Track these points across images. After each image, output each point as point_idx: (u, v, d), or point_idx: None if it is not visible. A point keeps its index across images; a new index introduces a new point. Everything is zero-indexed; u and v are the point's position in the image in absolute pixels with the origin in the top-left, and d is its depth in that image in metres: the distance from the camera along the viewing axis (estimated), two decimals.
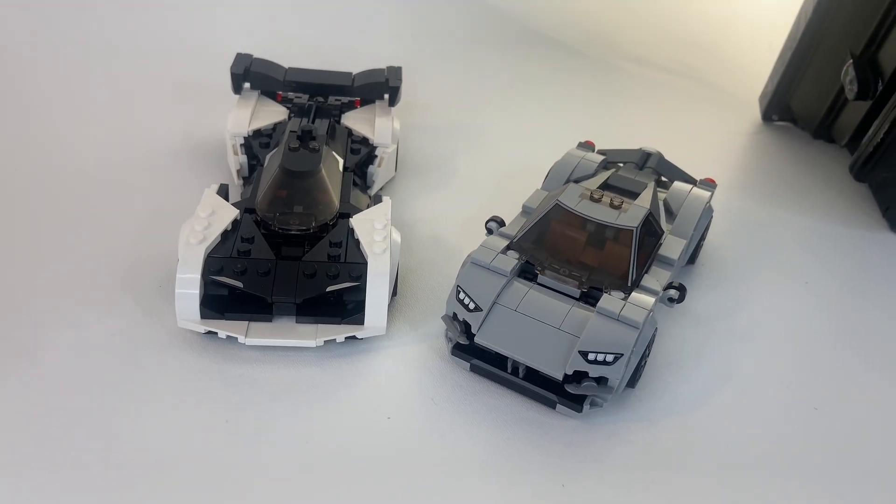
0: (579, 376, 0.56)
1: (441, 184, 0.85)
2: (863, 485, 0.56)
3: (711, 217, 0.75)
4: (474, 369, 0.60)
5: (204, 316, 0.59)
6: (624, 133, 0.92)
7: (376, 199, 0.70)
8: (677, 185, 0.74)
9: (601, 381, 0.56)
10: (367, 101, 0.84)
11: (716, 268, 0.76)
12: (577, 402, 0.57)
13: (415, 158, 0.88)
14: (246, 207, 0.65)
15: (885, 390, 0.64)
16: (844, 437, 0.59)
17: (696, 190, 0.73)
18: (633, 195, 0.70)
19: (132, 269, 0.67)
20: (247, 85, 0.82)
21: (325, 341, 0.60)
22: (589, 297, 0.60)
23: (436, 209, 0.80)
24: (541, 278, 0.61)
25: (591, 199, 0.65)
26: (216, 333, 0.59)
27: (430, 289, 0.69)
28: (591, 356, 0.55)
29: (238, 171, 0.76)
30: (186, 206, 0.74)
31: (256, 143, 0.76)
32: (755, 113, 1.06)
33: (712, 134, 1.01)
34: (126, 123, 0.87)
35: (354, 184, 0.72)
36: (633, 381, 0.59)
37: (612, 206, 0.64)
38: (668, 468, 0.55)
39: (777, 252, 0.79)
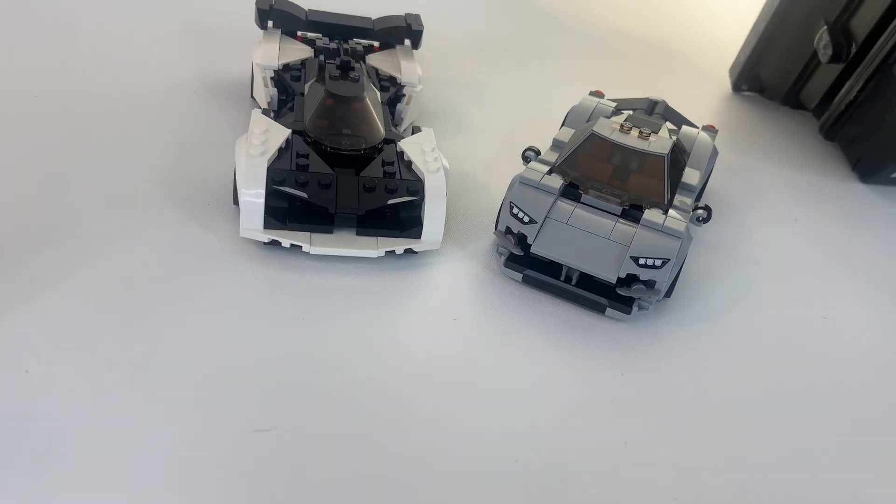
0: (629, 280, 0.61)
1: (458, 130, 0.88)
2: (867, 378, 0.63)
3: (716, 157, 0.81)
4: (527, 280, 0.64)
5: (267, 225, 0.60)
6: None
7: (414, 131, 0.72)
8: (686, 128, 0.80)
9: (649, 284, 0.61)
10: (385, 46, 0.86)
11: (717, 206, 0.82)
12: (626, 305, 0.61)
13: (429, 108, 0.90)
14: (294, 130, 0.67)
15: (877, 305, 0.71)
16: (851, 340, 0.66)
17: (703, 132, 0.80)
18: (655, 133, 0.75)
19: (176, 189, 0.67)
20: (270, 23, 0.83)
21: (386, 252, 0.62)
22: (628, 215, 0.65)
23: (457, 151, 0.83)
24: (584, 198, 0.65)
25: (622, 130, 0.70)
26: (277, 244, 0.61)
27: (468, 215, 0.72)
28: (641, 261, 0.60)
29: (269, 103, 0.77)
30: (215, 133, 0.74)
31: (287, 77, 0.77)
32: (725, 83, 1.14)
33: (687, 101, 1.08)
34: (143, 61, 0.86)
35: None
36: (668, 292, 0.64)
37: (640, 136, 0.70)
38: (706, 361, 0.61)
39: (765, 195, 0.87)
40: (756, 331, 0.65)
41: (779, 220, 0.82)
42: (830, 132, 0.98)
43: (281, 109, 0.76)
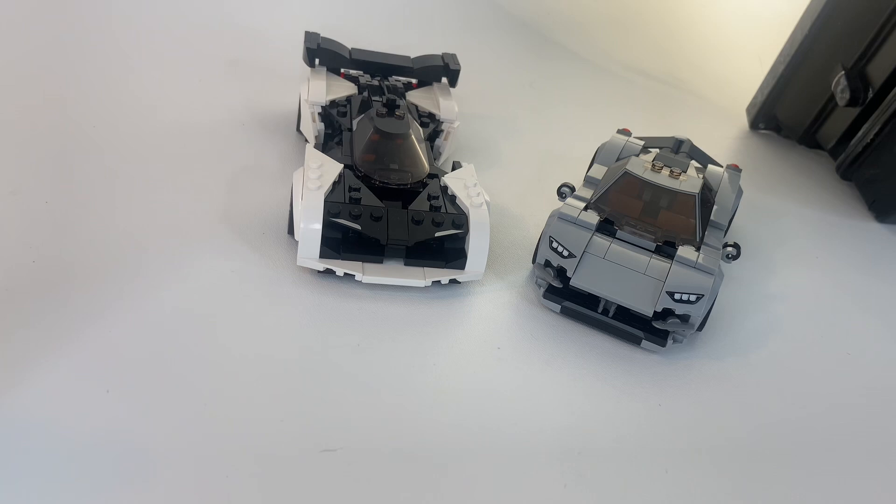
0: (664, 314, 0.64)
1: (491, 164, 0.92)
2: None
3: (741, 195, 0.85)
4: (565, 311, 0.67)
5: (323, 255, 0.64)
6: None
7: (455, 166, 0.76)
8: (712, 167, 0.84)
9: (684, 318, 0.64)
10: (422, 83, 0.90)
11: (742, 243, 0.86)
12: (661, 338, 0.65)
13: (463, 142, 0.94)
14: (345, 164, 0.70)
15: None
16: (874, 375, 0.69)
17: (728, 172, 0.83)
18: (684, 172, 0.79)
19: (232, 220, 0.70)
20: (317, 61, 0.87)
21: (432, 282, 0.65)
22: (662, 251, 0.68)
23: (491, 185, 0.87)
24: (620, 233, 0.69)
25: (653, 169, 0.74)
26: (331, 273, 0.64)
27: (504, 247, 0.75)
28: (677, 296, 0.63)
29: (316, 138, 0.81)
30: (265, 166, 0.78)
31: (334, 112, 0.81)
32: (742, 122, 1.18)
33: (705, 139, 1.12)
34: (200, 98, 0.90)
35: None
36: (701, 326, 0.68)
37: (671, 175, 0.73)
38: (738, 393, 0.64)
39: (787, 234, 0.90)
40: (780, 364, 0.68)
41: (801, 259, 0.85)
42: (847, 172, 1.02)
43: (327, 143, 0.80)
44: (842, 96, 0.99)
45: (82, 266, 0.61)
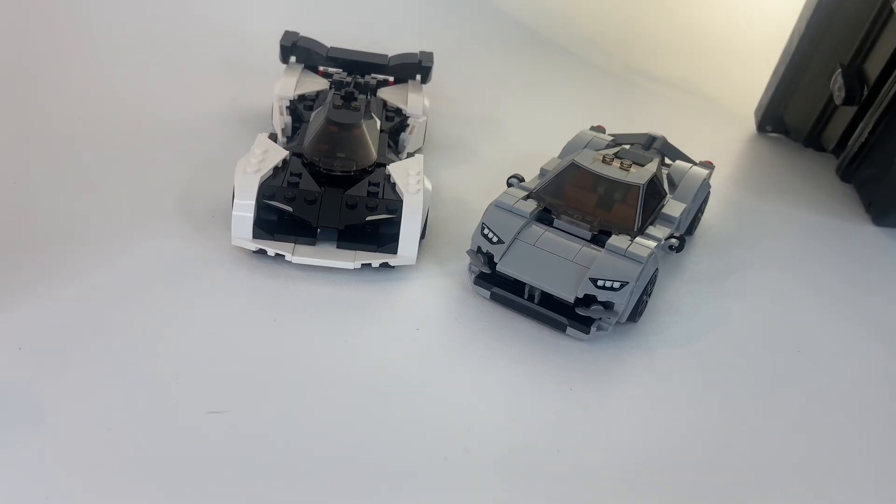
0: (589, 301, 0.63)
1: (463, 161, 0.93)
2: (836, 414, 0.62)
3: (709, 192, 0.83)
4: (494, 297, 0.67)
5: (256, 235, 0.66)
6: None
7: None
8: (679, 162, 0.82)
9: (608, 306, 0.63)
10: (399, 80, 0.93)
11: (712, 240, 0.83)
12: (585, 325, 0.64)
13: (441, 139, 0.96)
14: (294, 151, 0.73)
15: (862, 342, 0.71)
16: (824, 374, 0.66)
17: (696, 167, 0.81)
18: (640, 165, 0.77)
19: (188, 203, 0.74)
20: (293, 58, 0.90)
21: (362, 265, 0.67)
22: (598, 241, 0.67)
23: (458, 179, 0.88)
24: (556, 222, 0.68)
25: (604, 161, 0.73)
26: (265, 253, 0.67)
27: (453, 237, 0.76)
28: (599, 282, 0.63)
29: (283, 130, 0.84)
30: (233, 156, 0.81)
31: (301, 106, 0.84)
32: (750, 125, 1.15)
33: (710, 141, 1.10)
34: (183, 93, 0.96)
35: (388, 146, 0.80)
36: (635, 315, 0.66)
37: (621, 167, 0.72)
38: (662, 385, 0.62)
39: (768, 232, 0.87)
40: (720, 359, 0.66)
41: (776, 259, 0.82)
42: (846, 174, 0.98)
43: (294, 136, 0.83)
44: (839, 95, 0.95)
45: (29, 242, 0.66)
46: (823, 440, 0.60)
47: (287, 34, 0.91)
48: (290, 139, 0.84)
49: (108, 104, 0.90)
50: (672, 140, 0.89)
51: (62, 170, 0.77)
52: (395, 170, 0.72)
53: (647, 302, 0.68)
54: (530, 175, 0.78)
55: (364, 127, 0.75)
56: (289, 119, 0.84)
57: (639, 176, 0.71)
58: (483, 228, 0.67)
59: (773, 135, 1.13)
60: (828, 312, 0.74)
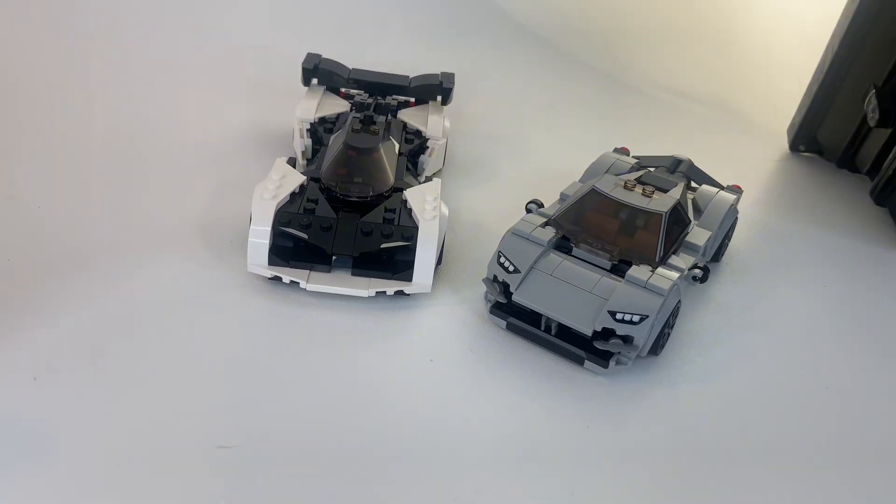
0: (607, 334, 0.62)
1: (484, 181, 0.92)
2: (865, 456, 0.60)
3: (736, 218, 0.80)
4: (510, 327, 0.66)
5: (271, 262, 0.66)
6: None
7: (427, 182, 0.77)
8: (705, 187, 0.80)
9: (627, 339, 0.62)
10: (420, 101, 0.92)
11: (740, 267, 0.81)
12: (603, 359, 0.62)
13: (462, 159, 0.95)
14: (311, 176, 0.73)
15: (893, 378, 0.68)
16: (853, 413, 0.63)
17: (723, 192, 0.79)
18: (664, 191, 0.75)
19: (207, 227, 0.74)
20: (314, 81, 0.90)
21: (376, 293, 0.66)
22: (618, 270, 0.65)
23: (478, 201, 0.87)
24: (575, 251, 0.67)
25: (625, 187, 0.71)
26: (280, 279, 0.66)
27: (471, 263, 0.75)
28: (618, 315, 0.61)
29: (303, 153, 0.84)
30: (254, 179, 0.82)
31: (321, 129, 0.84)
32: (783, 143, 1.12)
33: (741, 160, 1.07)
34: (206, 114, 0.96)
35: (406, 168, 0.80)
36: (656, 349, 0.64)
37: (643, 194, 0.71)
38: (683, 425, 0.60)
39: (798, 259, 0.84)
40: (744, 396, 0.64)
41: (805, 286, 0.79)
42: (880, 197, 0.94)
43: (313, 158, 0.83)
44: (872, 116, 0.92)
45: (47, 266, 0.66)
46: (854, 483, 0.57)
47: (309, 56, 0.91)
48: (309, 162, 0.84)
49: (130, 125, 0.90)
50: (701, 159, 0.87)
51: (82, 192, 0.77)
52: (412, 195, 0.71)
53: (669, 334, 0.66)
54: (551, 198, 0.76)
55: (382, 151, 0.74)
56: (309, 142, 0.84)
57: (661, 203, 0.69)
58: (499, 257, 0.66)
59: (807, 154, 1.10)
60: (859, 345, 0.72)
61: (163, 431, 0.53)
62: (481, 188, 0.90)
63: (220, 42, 1.15)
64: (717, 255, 0.79)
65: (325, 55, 0.92)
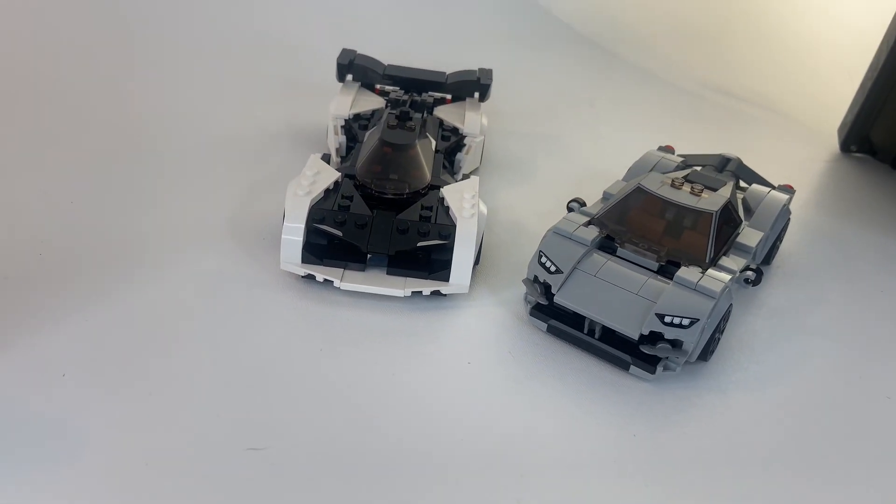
0: (655, 339, 0.59)
1: (523, 181, 0.89)
2: None
3: (789, 219, 0.77)
4: (551, 330, 0.63)
5: (305, 260, 0.64)
6: None
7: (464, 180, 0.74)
8: (756, 186, 0.77)
9: (676, 344, 0.58)
10: (457, 98, 0.90)
11: (792, 270, 0.77)
12: (650, 364, 0.59)
13: (500, 157, 0.92)
14: (346, 173, 0.71)
15: None
16: None
17: (774, 192, 0.75)
18: (713, 190, 0.72)
19: (240, 224, 0.73)
20: (349, 77, 0.89)
21: (412, 293, 0.64)
22: (666, 272, 0.62)
23: (516, 200, 0.84)
24: (620, 251, 0.64)
25: (672, 185, 0.68)
26: (313, 277, 0.64)
27: (509, 264, 0.72)
28: (667, 319, 0.58)
29: (337, 150, 0.82)
30: (287, 176, 0.80)
31: (356, 126, 0.82)
32: (833, 143, 1.07)
33: (790, 161, 1.03)
34: (242, 111, 0.95)
35: (443, 166, 0.77)
36: (706, 354, 0.61)
37: (692, 192, 0.68)
38: (735, 434, 0.56)
39: (852, 263, 0.80)
40: (799, 406, 0.60)
41: (860, 291, 0.75)
42: None
43: (348, 155, 0.81)
44: None
45: (79, 261, 0.65)
46: None
47: (344, 52, 0.89)
48: (344, 159, 0.82)
49: (165, 122, 0.90)
50: (748, 160, 0.84)
51: (116, 188, 0.76)
52: (449, 193, 0.69)
53: (719, 339, 0.63)
54: (592, 198, 0.73)
55: (418, 147, 0.72)
56: (343, 139, 0.82)
57: (711, 202, 0.66)
58: (540, 256, 0.63)
59: (859, 155, 1.06)
60: None
61: (192, 431, 0.51)
62: (520, 187, 0.87)
63: (255, 39, 1.14)
64: (769, 258, 0.76)
65: (360, 52, 0.91)
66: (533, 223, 0.79)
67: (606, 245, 0.65)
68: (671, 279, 0.61)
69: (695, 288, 0.59)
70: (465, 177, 0.75)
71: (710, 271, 0.61)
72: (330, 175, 0.69)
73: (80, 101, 0.92)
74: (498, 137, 0.96)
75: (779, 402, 0.60)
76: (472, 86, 0.88)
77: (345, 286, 0.63)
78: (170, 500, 0.46)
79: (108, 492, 0.46)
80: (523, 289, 0.68)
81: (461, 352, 0.61)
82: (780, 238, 0.76)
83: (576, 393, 0.58)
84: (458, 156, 0.82)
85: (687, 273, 0.60)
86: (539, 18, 1.30)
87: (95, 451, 0.49)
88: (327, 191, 0.68)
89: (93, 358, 0.56)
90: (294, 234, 0.64)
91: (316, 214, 0.65)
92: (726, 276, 0.61)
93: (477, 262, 0.69)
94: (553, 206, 0.82)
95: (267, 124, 0.93)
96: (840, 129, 1.07)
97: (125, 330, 0.59)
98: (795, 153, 1.05)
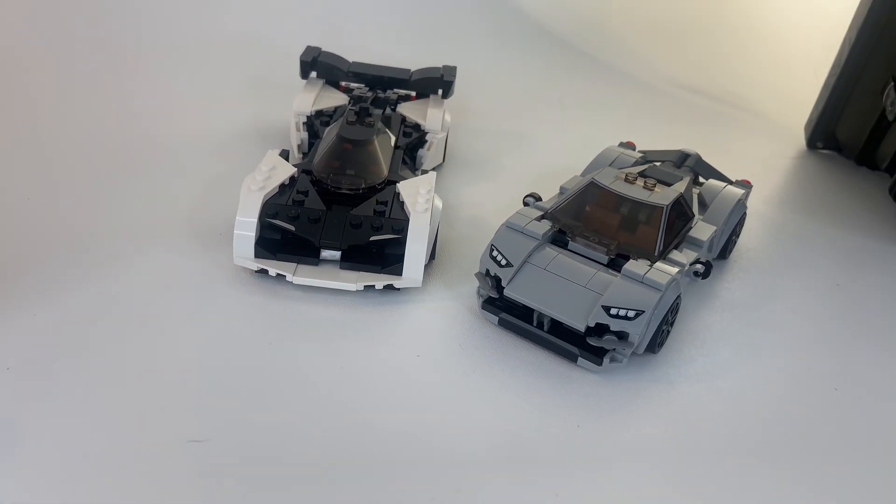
0: (601, 331, 0.59)
1: (485, 177, 0.89)
2: (871, 460, 0.56)
3: (745, 214, 0.77)
4: (502, 323, 0.63)
5: (257, 255, 0.65)
6: None
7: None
8: (712, 181, 0.77)
9: (622, 336, 0.59)
10: (421, 95, 0.90)
11: (748, 264, 0.78)
12: (597, 356, 0.60)
13: (463, 154, 0.93)
14: (303, 168, 0.71)
15: None
16: (861, 415, 0.60)
17: (730, 187, 0.76)
18: (667, 184, 0.73)
19: (198, 220, 0.73)
20: (313, 74, 0.89)
21: (365, 287, 0.64)
22: (616, 265, 0.63)
23: (478, 196, 0.84)
24: (571, 244, 0.65)
25: (626, 180, 0.69)
26: (266, 272, 0.65)
27: (466, 258, 0.73)
28: (613, 311, 0.58)
29: (299, 146, 0.82)
30: (249, 172, 0.80)
31: (318, 122, 0.82)
32: (800, 140, 1.08)
33: (756, 158, 1.04)
34: (206, 107, 0.95)
35: (404, 162, 0.78)
36: (654, 346, 0.62)
37: (645, 187, 0.68)
38: (680, 424, 0.57)
39: (810, 257, 0.81)
40: (746, 398, 0.60)
41: (816, 285, 0.76)
42: None
43: (309, 152, 0.82)
44: (891, 110, 0.88)
45: (33, 257, 0.65)
46: (859, 491, 0.54)
47: (308, 49, 0.89)
48: (305, 155, 0.82)
49: (126, 118, 0.90)
50: (714, 156, 0.84)
51: (75, 184, 0.77)
52: (405, 188, 0.70)
53: (668, 332, 0.64)
54: (553, 194, 0.74)
55: (376, 143, 0.72)
56: (305, 135, 0.82)
57: (663, 196, 0.67)
58: (492, 250, 0.64)
59: (825, 151, 1.06)
60: (870, 346, 0.68)
61: (136, 424, 0.51)
62: (482, 183, 0.88)
63: (220, 35, 1.14)
64: (724, 252, 0.76)
65: (326, 48, 0.91)
66: (493, 219, 0.79)
67: (558, 239, 0.65)
68: (619, 272, 0.61)
69: (641, 280, 0.60)
70: (425, 173, 0.75)
71: (659, 264, 0.62)
72: (285, 170, 0.70)
73: (37, 97, 0.92)
74: (464, 134, 0.96)
75: (724, 393, 0.60)
76: (436, 83, 0.89)
77: (297, 280, 0.64)
78: (107, 492, 0.47)
79: (46, 484, 0.47)
80: (477, 283, 0.69)
81: (411, 345, 0.61)
82: (735, 232, 0.77)
83: (523, 385, 0.59)
84: (420, 152, 0.82)
85: (635, 266, 0.61)
86: (506, 15, 1.30)
87: (34, 445, 0.49)
88: (282, 186, 0.68)
89: (39, 353, 0.56)
90: (246, 229, 0.64)
91: (269, 209, 0.65)
92: (674, 269, 0.62)
93: (433, 256, 0.70)
94: (514, 203, 0.82)
95: (232, 121, 0.93)
96: (806, 126, 1.07)
97: (75, 325, 0.59)
98: (762, 149, 1.06)
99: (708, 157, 0.84)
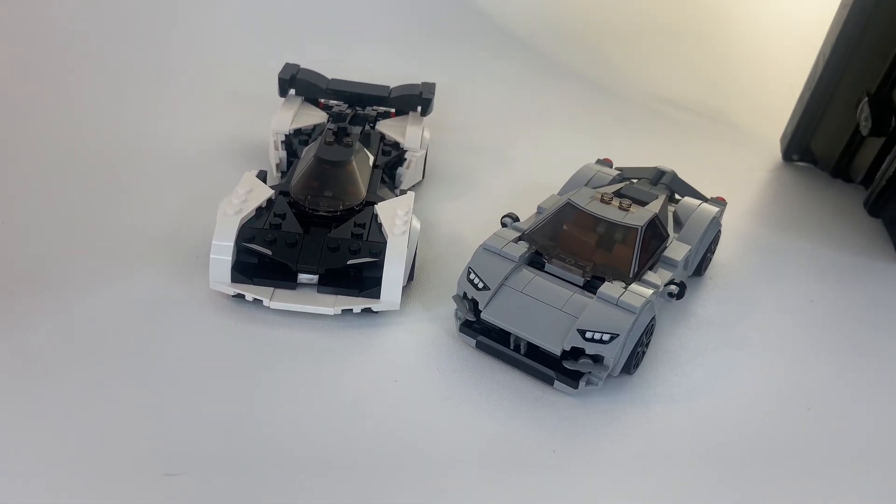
0: (577, 354, 0.60)
1: (464, 193, 0.90)
2: (849, 480, 0.57)
3: (719, 231, 0.78)
4: (479, 346, 0.64)
5: (234, 279, 0.65)
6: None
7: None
8: (687, 199, 0.78)
9: (597, 359, 0.59)
10: (401, 112, 0.90)
11: (723, 281, 0.79)
12: (573, 379, 0.60)
13: (443, 170, 0.93)
14: (281, 190, 0.71)
15: (879, 399, 0.65)
16: (836, 436, 0.61)
17: (705, 205, 0.77)
18: (643, 204, 0.73)
19: (175, 242, 0.73)
20: (292, 91, 0.89)
21: (342, 310, 0.64)
22: (592, 287, 0.63)
23: (457, 213, 0.85)
24: (547, 266, 0.65)
25: (602, 200, 0.69)
26: (243, 297, 0.65)
27: (444, 279, 0.73)
28: (588, 334, 0.59)
29: (277, 165, 0.82)
30: (228, 193, 0.80)
31: (296, 141, 0.82)
32: (776, 153, 1.09)
33: (732, 170, 1.05)
34: (184, 125, 0.95)
35: (383, 181, 0.78)
36: (629, 368, 0.62)
37: (620, 208, 0.69)
38: (656, 446, 0.58)
39: (785, 272, 0.82)
40: (721, 418, 0.61)
41: (790, 301, 0.77)
42: (874, 208, 0.91)
43: (289, 169, 0.81)
44: (865, 125, 0.89)
45: (7, 278, 0.65)
46: None
47: (286, 66, 0.89)
48: (283, 175, 0.82)
49: (105, 136, 0.89)
50: (691, 170, 0.85)
51: (50, 203, 0.76)
52: (383, 209, 0.70)
53: (643, 353, 0.64)
54: (531, 212, 0.74)
55: (354, 164, 0.72)
56: (283, 154, 0.82)
57: (638, 217, 0.67)
58: (469, 273, 0.64)
59: (801, 164, 1.07)
60: (845, 364, 0.69)
61: (108, 453, 0.51)
62: (461, 200, 0.88)
63: (200, 52, 1.14)
64: (700, 270, 0.77)
65: (307, 65, 0.91)
66: (472, 237, 0.80)
67: (536, 261, 0.66)
68: (595, 294, 0.62)
69: (616, 303, 0.60)
70: (404, 192, 0.75)
71: (633, 286, 0.62)
72: (263, 193, 0.70)
73: (15, 114, 0.92)
74: (443, 150, 0.96)
75: (698, 413, 0.61)
76: (415, 100, 0.89)
77: (274, 305, 0.64)
78: None
79: None
80: (455, 305, 0.69)
81: (389, 369, 0.61)
82: (710, 250, 0.78)
83: (499, 409, 0.59)
84: (399, 170, 0.83)
85: (609, 289, 0.62)
86: (486, 30, 1.31)
87: (2, 478, 0.49)
88: (259, 209, 0.68)
89: (6, 383, 0.55)
90: (223, 254, 0.64)
91: (246, 233, 0.65)
92: (648, 291, 0.62)
93: (411, 278, 0.70)
94: (493, 219, 0.83)
95: (211, 139, 0.93)
96: (782, 139, 1.08)
97: (44, 348, 0.59)
98: (739, 162, 1.07)
99: (684, 170, 0.85)
